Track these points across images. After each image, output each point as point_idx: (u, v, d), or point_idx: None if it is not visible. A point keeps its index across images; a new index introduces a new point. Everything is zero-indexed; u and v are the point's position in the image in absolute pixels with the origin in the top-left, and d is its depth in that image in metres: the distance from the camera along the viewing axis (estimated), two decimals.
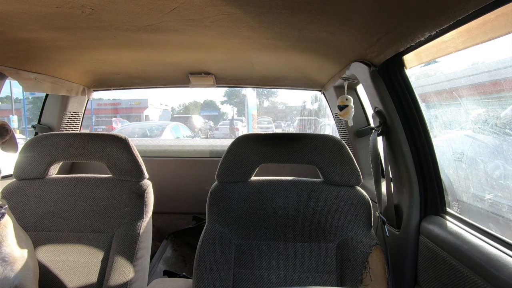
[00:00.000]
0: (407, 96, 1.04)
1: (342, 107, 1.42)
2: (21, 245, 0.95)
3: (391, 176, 1.17)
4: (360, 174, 1.12)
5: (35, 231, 1.16)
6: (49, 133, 1.26)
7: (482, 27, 0.68)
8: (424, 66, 1.27)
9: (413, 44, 0.83)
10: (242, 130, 13.01)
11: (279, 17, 0.83)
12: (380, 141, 1.17)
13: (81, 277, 1.12)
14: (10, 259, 0.91)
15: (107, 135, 1.24)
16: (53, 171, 1.27)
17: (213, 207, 1.13)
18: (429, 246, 0.96)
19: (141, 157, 1.25)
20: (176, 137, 8.38)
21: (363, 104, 1.74)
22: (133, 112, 21.36)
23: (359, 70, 1.14)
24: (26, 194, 1.19)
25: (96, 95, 1.92)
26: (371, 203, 1.11)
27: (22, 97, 15.72)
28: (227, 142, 1.72)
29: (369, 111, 1.63)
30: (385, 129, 1.10)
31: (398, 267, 1.08)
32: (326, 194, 1.12)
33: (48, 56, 1.20)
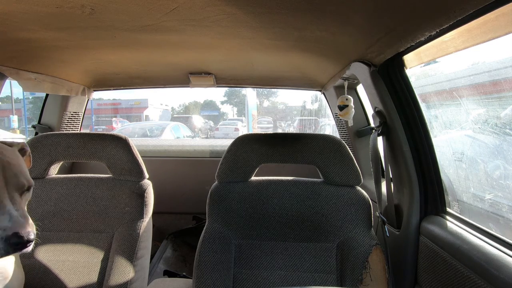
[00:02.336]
0: (407, 96, 1.04)
1: (342, 107, 1.42)
2: None
3: (391, 176, 1.17)
4: (360, 174, 1.12)
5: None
6: (49, 133, 1.26)
7: (482, 27, 0.68)
8: (424, 66, 1.27)
9: (413, 44, 0.83)
10: (242, 130, 13.01)
11: (279, 17, 0.83)
12: (380, 141, 1.17)
13: (81, 277, 1.12)
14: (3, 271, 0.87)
15: (107, 135, 1.24)
16: (53, 171, 1.27)
17: (213, 207, 1.13)
18: (429, 246, 0.96)
19: (141, 157, 1.25)
20: (176, 137, 8.37)
21: (363, 104, 1.74)
22: (133, 112, 21.36)
23: (359, 70, 1.14)
24: None
25: (96, 95, 1.92)
26: (371, 203, 1.11)
27: (22, 97, 15.74)
28: (227, 142, 1.72)
29: (369, 111, 1.63)
30: (385, 129, 1.10)
31: (398, 267, 1.08)
32: (326, 194, 1.12)
33: (48, 56, 1.20)
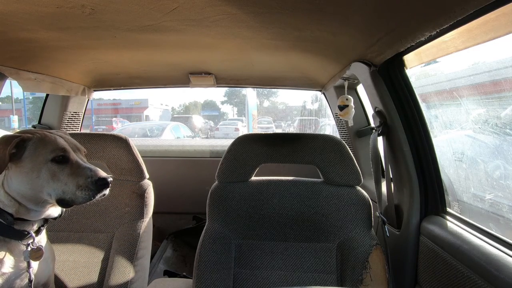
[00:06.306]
0: (407, 96, 1.04)
1: (342, 107, 1.42)
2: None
3: (391, 176, 1.17)
4: (360, 174, 1.12)
5: None
6: None
7: (482, 27, 0.68)
8: (424, 66, 1.27)
9: (413, 44, 0.83)
10: (242, 130, 13.00)
11: (279, 17, 0.83)
12: (380, 141, 1.17)
13: (82, 277, 1.12)
14: (50, 256, 0.96)
15: (108, 135, 1.24)
16: None
17: (214, 207, 1.13)
18: (429, 246, 0.96)
19: (142, 157, 1.26)
20: (176, 137, 8.37)
21: (363, 104, 1.74)
22: (133, 112, 21.34)
23: (359, 70, 1.14)
24: None
25: (96, 95, 1.92)
26: (371, 203, 1.11)
27: (22, 97, 15.75)
28: (228, 142, 1.72)
29: (369, 111, 1.62)
30: (385, 129, 1.10)
31: (398, 267, 1.08)
32: (326, 194, 1.12)
33: (48, 56, 1.20)
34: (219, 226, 1.11)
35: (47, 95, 1.73)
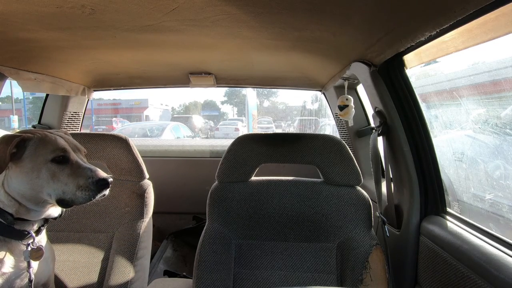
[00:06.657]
0: (407, 96, 1.04)
1: (342, 107, 1.42)
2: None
3: (391, 176, 1.17)
4: (361, 174, 1.12)
5: None
6: None
7: (482, 27, 0.68)
8: (424, 66, 1.27)
9: (413, 44, 0.83)
10: (242, 130, 12.99)
11: (279, 17, 0.83)
12: (380, 141, 1.17)
13: (82, 277, 1.12)
14: (50, 255, 0.96)
15: (108, 135, 1.24)
16: None
17: (213, 207, 1.13)
18: (429, 246, 0.96)
19: (142, 157, 1.26)
20: (176, 137, 8.36)
21: (363, 104, 1.74)
22: (133, 112, 21.33)
23: (359, 70, 1.14)
24: None
25: (96, 95, 1.93)
26: (371, 203, 1.11)
27: (22, 97, 15.76)
28: (228, 142, 1.72)
29: (369, 111, 1.62)
30: (385, 129, 1.10)
31: (398, 267, 1.08)
32: (326, 194, 1.12)
33: (48, 56, 1.20)
34: (219, 226, 1.11)
35: (47, 95, 1.73)
